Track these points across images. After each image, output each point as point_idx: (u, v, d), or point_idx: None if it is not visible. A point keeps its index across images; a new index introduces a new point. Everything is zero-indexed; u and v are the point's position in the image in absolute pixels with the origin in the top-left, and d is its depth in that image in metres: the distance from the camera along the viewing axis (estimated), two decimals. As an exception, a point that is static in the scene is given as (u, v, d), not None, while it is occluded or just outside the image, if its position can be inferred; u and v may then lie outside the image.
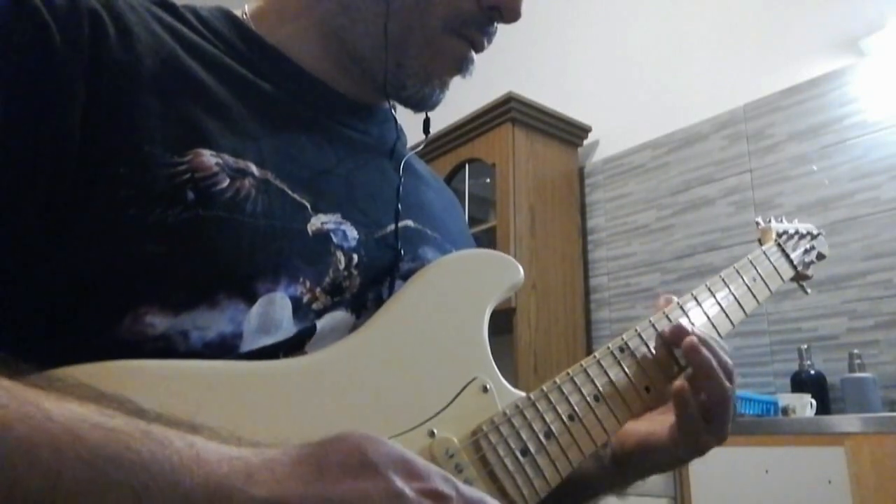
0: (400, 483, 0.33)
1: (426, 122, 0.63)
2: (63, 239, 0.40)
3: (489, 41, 0.58)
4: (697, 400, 0.56)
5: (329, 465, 0.33)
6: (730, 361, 0.57)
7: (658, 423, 0.59)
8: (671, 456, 0.59)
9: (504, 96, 2.62)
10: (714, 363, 0.55)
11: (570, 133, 2.82)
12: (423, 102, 0.58)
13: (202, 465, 0.31)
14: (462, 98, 2.88)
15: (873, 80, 2.07)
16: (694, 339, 0.56)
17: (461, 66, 0.57)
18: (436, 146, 2.87)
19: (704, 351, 0.56)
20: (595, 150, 2.88)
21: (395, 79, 0.56)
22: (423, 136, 0.64)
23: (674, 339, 0.58)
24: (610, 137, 2.82)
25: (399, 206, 0.55)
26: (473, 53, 0.58)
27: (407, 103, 0.59)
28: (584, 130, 2.84)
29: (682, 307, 0.63)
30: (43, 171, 0.40)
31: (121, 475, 0.29)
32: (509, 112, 2.62)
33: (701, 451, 0.58)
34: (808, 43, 2.25)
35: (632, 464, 0.61)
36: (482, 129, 2.72)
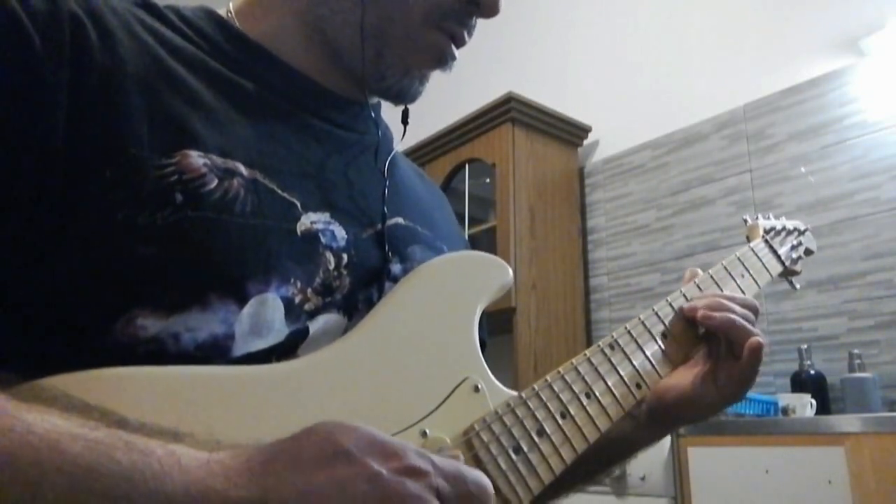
0: (376, 465, 0.34)
1: (405, 113, 0.63)
2: (54, 242, 0.40)
3: (469, 35, 0.58)
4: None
5: (303, 458, 0.33)
6: (748, 312, 0.62)
7: (692, 377, 0.62)
8: (709, 406, 0.62)
9: (504, 96, 2.61)
10: (737, 321, 0.60)
11: (570, 133, 2.82)
12: (402, 94, 0.58)
13: (183, 471, 0.31)
14: (462, 98, 2.89)
15: (873, 80, 2.06)
16: (701, 310, 0.61)
17: (441, 59, 0.57)
18: (436, 146, 2.87)
19: (717, 315, 0.60)
20: (595, 150, 2.88)
21: (374, 70, 0.56)
22: (417, 136, 0.64)
23: (690, 314, 0.62)
24: (610, 137, 2.82)
25: (385, 208, 0.55)
26: (454, 48, 0.57)
27: (386, 95, 0.59)
28: (584, 130, 2.84)
29: (671, 304, 0.63)
30: (26, 177, 0.39)
31: (101, 485, 0.29)
32: (509, 112, 2.62)
33: (739, 398, 0.62)
34: (808, 43, 2.25)
35: (671, 417, 0.64)
36: (482, 129, 2.72)
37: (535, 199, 2.62)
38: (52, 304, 0.40)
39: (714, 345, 0.62)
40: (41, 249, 0.40)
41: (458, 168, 2.82)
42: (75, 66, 0.42)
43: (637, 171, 2.67)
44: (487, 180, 2.80)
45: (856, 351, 1.84)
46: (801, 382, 1.90)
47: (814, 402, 1.76)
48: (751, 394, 1.87)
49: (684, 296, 0.65)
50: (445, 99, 2.88)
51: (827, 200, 2.09)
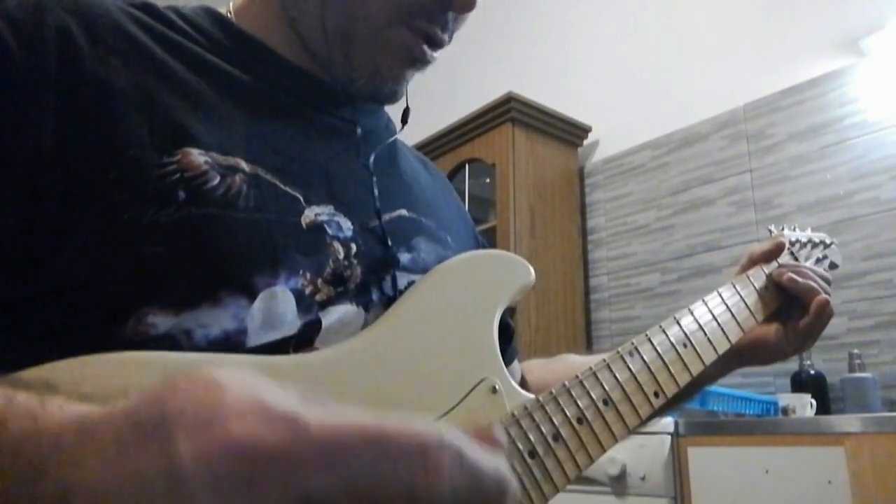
0: (191, 452, 0.21)
1: (405, 112, 0.63)
2: (62, 245, 0.40)
3: (445, 32, 0.55)
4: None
5: (127, 428, 0.23)
6: (826, 281, 0.75)
7: (766, 328, 0.74)
8: (780, 353, 0.74)
9: (504, 96, 2.62)
10: (814, 285, 0.72)
11: (570, 133, 2.82)
12: (376, 96, 0.57)
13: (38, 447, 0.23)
14: (462, 98, 2.89)
15: (873, 80, 2.07)
16: (787, 275, 0.73)
17: (411, 59, 0.55)
18: (436, 146, 2.87)
19: (801, 280, 0.72)
20: (595, 150, 2.88)
21: (344, 72, 0.55)
22: (417, 136, 0.64)
23: (777, 279, 0.74)
24: (610, 137, 2.82)
25: (378, 201, 0.55)
26: (426, 48, 0.55)
27: (361, 97, 0.58)
28: (584, 130, 2.84)
29: (692, 313, 0.63)
30: (16, 185, 0.39)
31: None
32: (509, 112, 2.62)
33: (804, 349, 0.75)
34: (808, 43, 2.25)
35: (739, 360, 0.73)
36: (482, 129, 2.72)
37: (535, 199, 2.62)
38: (60, 305, 0.40)
39: (788, 306, 0.73)
40: (46, 252, 0.40)
41: (458, 168, 2.82)
42: (63, 76, 0.42)
43: (637, 171, 2.67)
44: (487, 180, 2.80)
45: (856, 351, 1.84)
46: (801, 382, 1.90)
47: (814, 402, 1.76)
48: (751, 394, 1.88)
49: (706, 304, 0.66)
50: (445, 99, 2.88)
51: (827, 200, 2.10)
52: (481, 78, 2.76)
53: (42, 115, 0.41)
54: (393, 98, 0.58)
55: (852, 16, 2.15)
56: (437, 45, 0.56)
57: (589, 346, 2.65)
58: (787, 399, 1.78)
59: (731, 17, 2.48)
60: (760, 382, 2.12)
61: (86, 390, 0.27)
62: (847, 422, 1.49)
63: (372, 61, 0.54)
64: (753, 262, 0.77)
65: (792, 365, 1.98)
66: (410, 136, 0.65)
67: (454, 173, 2.83)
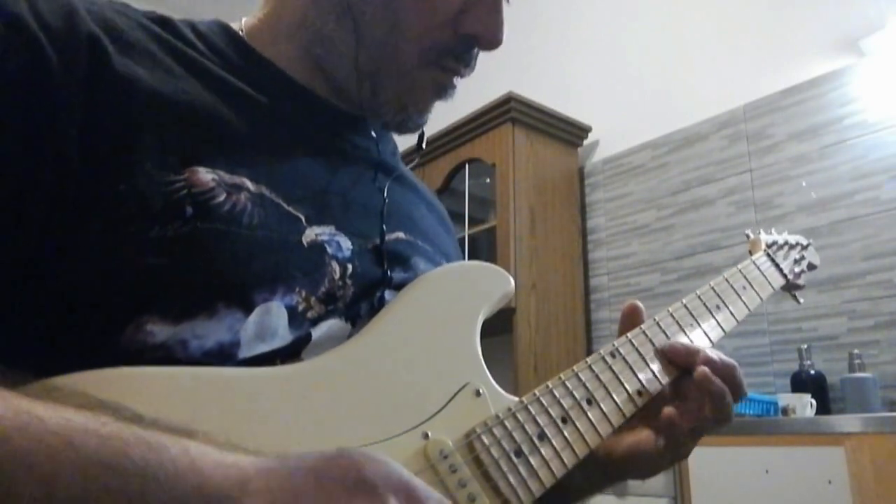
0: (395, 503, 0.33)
1: (420, 137, 0.64)
2: (66, 252, 0.41)
3: (469, 66, 0.58)
4: (690, 417, 0.56)
5: (326, 480, 0.33)
6: (740, 379, 0.58)
7: (643, 433, 0.59)
8: (655, 464, 0.59)
9: (504, 96, 2.62)
10: (727, 393, 0.56)
11: (570, 133, 2.82)
12: (402, 127, 0.59)
13: (196, 472, 0.31)
14: (462, 98, 2.88)
15: (873, 80, 2.07)
16: (706, 370, 0.56)
17: (440, 93, 0.58)
18: (436, 146, 2.88)
19: (717, 381, 0.56)
20: (595, 150, 2.88)
21: (371, 106, 0.57)
22: (425, 127, 0.64)
23: (682, 361, 0.59)
24: (610, 137, 2.82)
25: (384, 224, 0.56)
26: (454, 80, 0.58)
27: (387, 128, 0.60)
28: (584, 130, 2.85)
29: (672, 315, 0.64)
30: (41, 192, 0.40)
31: (115, 482, 0.29)
32: (509, 112, 2.62)
33: (683, 457, 0.59)
34: (808, 43, 2.25)
35: (618, 471, 0.61)
36: (482, 129, 2.72)
37: (535, 199, 2.63)
38: (61, 310, 0.41)
39: (671, 420, 0.56)
40: (54, 257, 0.40)
41: (458, 168, 2.83)
42: (92, 85, 0.43)
43: (637, 171, 2.67)
44: (487, 180, 2.81)
45: (856, 351, 1.84)
46: (801, 382, 1.90)
47: (814, 402, 1.76)
48: (751, 394, 1.88)
49: (686, 306, 0.65)
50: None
51: (827, 200, 2.09)
52: (481, 78, 2.76)
53: (72, 123, 0.41)
54: (417, 128, 0.60)
55: (852, 16, 2.15)
56: (462, 76, 0.58)
57: (589, 346, 2.65)
58: (787, 399, 1.78)
59: (731, 17, 2.48)
60: (760, 382, 2.12)
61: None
62: (847, 422, 1.50)
63: (399, 98, 0.56)
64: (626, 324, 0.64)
65: (792, 365, 1.98)
66: (411, 136, 0.66)
67: (454, 173, 2.83)
